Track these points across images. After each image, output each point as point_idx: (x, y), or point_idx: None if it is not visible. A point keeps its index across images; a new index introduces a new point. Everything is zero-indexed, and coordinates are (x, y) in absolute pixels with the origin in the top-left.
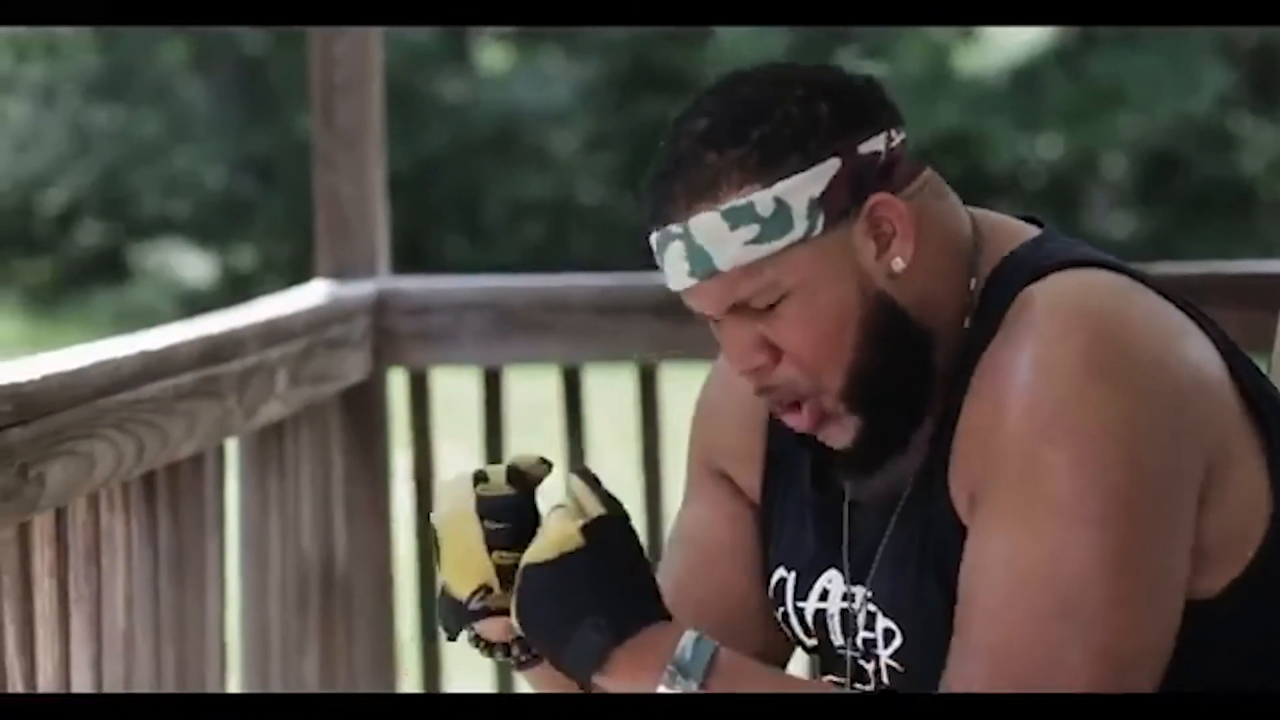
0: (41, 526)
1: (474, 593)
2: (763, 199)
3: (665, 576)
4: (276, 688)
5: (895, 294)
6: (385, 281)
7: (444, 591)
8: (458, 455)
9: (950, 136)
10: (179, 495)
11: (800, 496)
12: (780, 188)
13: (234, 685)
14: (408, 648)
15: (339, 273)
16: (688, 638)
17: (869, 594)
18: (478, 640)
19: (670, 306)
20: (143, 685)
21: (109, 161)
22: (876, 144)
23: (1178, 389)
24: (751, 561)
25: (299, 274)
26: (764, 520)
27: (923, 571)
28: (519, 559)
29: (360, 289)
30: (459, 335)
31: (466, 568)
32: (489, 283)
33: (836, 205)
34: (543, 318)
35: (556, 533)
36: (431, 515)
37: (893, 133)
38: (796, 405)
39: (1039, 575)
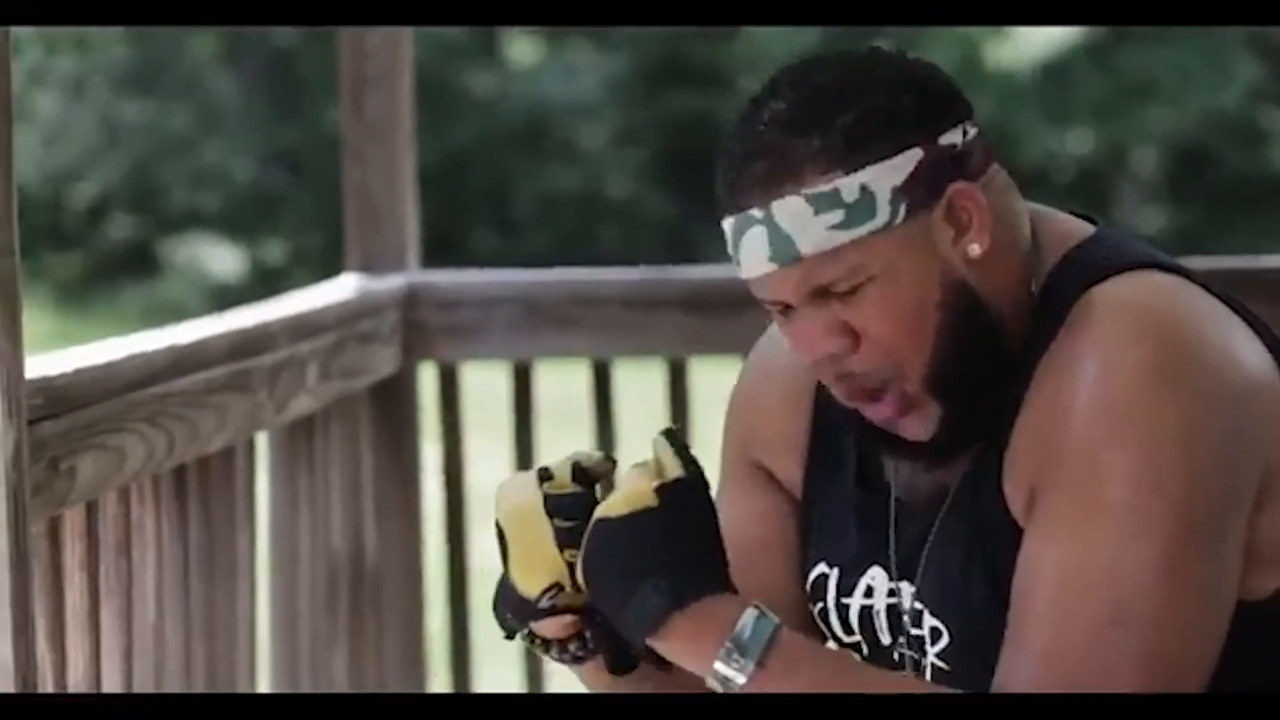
0: (72, 520)
1: (545, 591)
2: (848, 185)
3: None
4: (306, 682)
5: (972, 281)
6: (415, 275)
7: (509, 589)
8: (487, 449)
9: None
10: (209, 489)
11: (843, 493)
12: (865, 174)
13: (263, 679)
14: (437, 642)
15: (369, 266)
16: (749, 614)
17: (915, 592)
18: (533, 638)
19: (699, 300)
20: (173, 679)
21: (138, 155)
22: (955, 135)
23: (1239, 394)
24: (788, 556)
25: (328, 268)
26: (804, 515)
27: (969, 570)
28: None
29: (390, 283)
30: (488, 329)
31: (536, 566)
32: (518, 277)
33: (918, 193)
34: (572, 312)
35: (631, 489)
36: (495, 514)
37: (968, 125)
38: (876, 395)
39: (1094, 580)
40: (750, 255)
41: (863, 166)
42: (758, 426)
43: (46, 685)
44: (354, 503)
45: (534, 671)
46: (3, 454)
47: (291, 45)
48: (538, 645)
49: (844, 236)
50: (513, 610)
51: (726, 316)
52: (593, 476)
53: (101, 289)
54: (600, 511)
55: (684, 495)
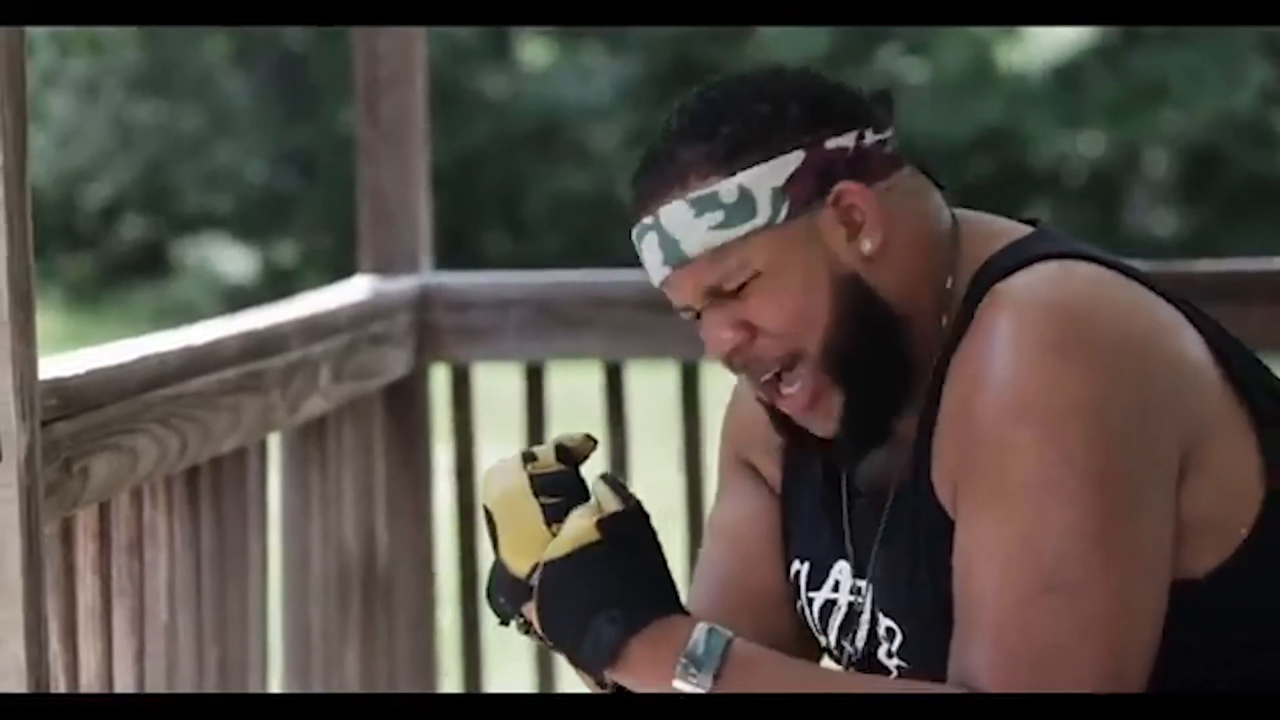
0: (85, 520)
1: (534, 568)
2: (726, 187)
3: (703, 572)
4: (318, 682)
5: (866, 276)
6: (428, 277)
7: (499, 572)
8: (499, 451)
9: (992, 133)
10: (222, 490)
11: (814, 487)
12: (743, 176)
13: (275, 679)
14: (448, 642)
15: (381, 268)
16: (700, 630)
17: (874, 591)
18: (527, 626)
19: None
20: (185, 679)
21: (151, 156)
22: (845, 140)
23: (1145, 368)
24: (779, 553)
25: (340, 269)
26: (783, 511)
27: (915, 568)
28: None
29: (403, 284)
30: (501, 331)
31: (525, 545)
32: (531, 278)
33: (801, 193)
34: (585, 313)
35: (573, 529)
36: (482, 500)
37: (867, 133)
38: (784, 383)
39: (1017, 555)
40: (649, 262)
41: (742, 169)
42: (745, 426)
43: (59, 685)
44: (366, 503)
45: (545, 671)
46: (16, 455)
47: (303, 47)
48: (531, 633)
49: (725, 235)
50: (506, 594)
51: None
52: (576, 456)
53: (114, 290)
54: (546, 555)
55: (625, 525)
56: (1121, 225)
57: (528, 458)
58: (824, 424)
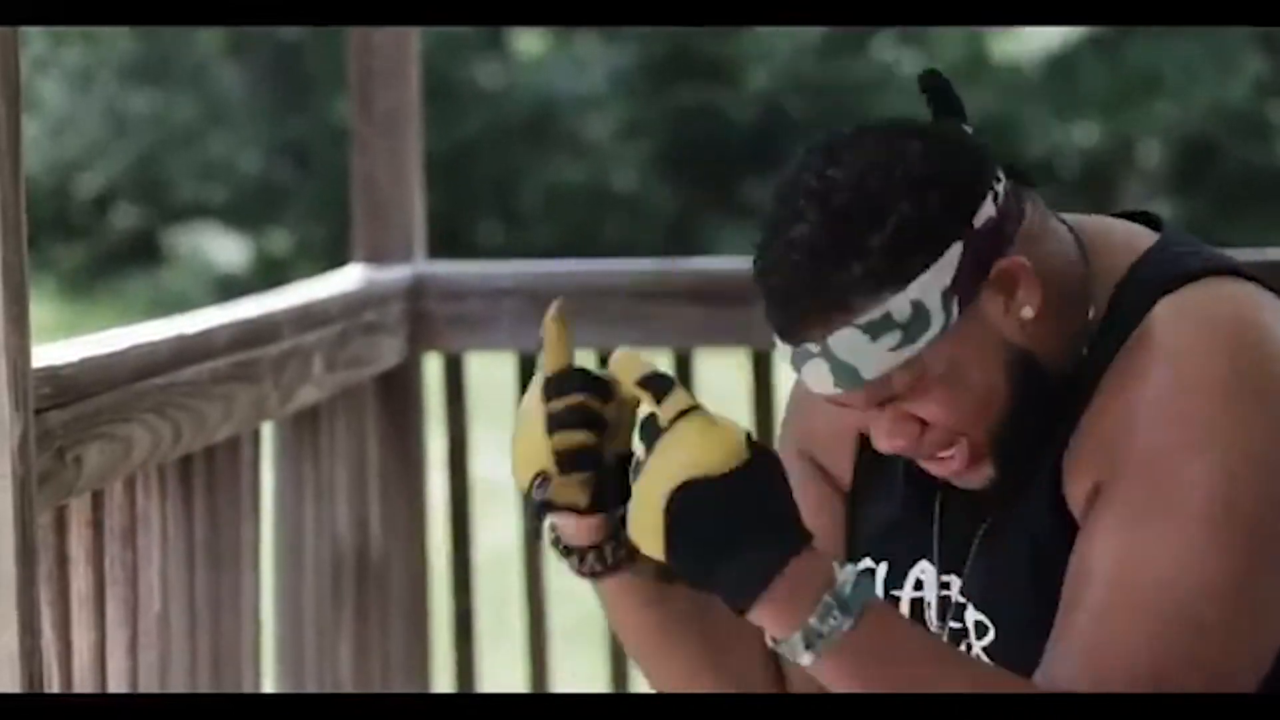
0: (78, 509)
1: (532, 481)
2: (898, 306)
3: None
4: (310, 673)
5: (1029, 343)
6: (421, 266)
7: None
8: (493, 440)
9: (987, 123)
10: (215, 479)
11: (891, 488)
12: (913, 290)
13: (268, 670)
14: (441, 632)
15: (375, 257)
16: (850, 571)
17: (962, 586)
18: (558, 542)
19: (706, 292)
20: (177, 669)
21: (145, 146)
22: (988, 209)
23: None
24: (838, 549)
25: (334, 259)
26: (850, 507)
27: (1017, 567)
28: (584, 440)
29: (396, 274)
30: (494, 320)
31: (528, 455)
32: (524, 268)
33: (967, 286)
34: (578, 304)
35: (720, 444)
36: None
37: (997, 188)
38: (940, 451)
39: (1159, 580)
40: (814, 382)
41: (909, 282)
42: (814, 422)
43: (52, 674)
44: (359, 493)
45: (538, 659)
46: (10, 443)
47: (298, 38)
48: (561, 551)
49: (906, 354)
50: (527, 506)
51: (733, 309)
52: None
53: (107, 279)
54: (690, 472)
55: (767, 449)
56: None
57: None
58: (977, 481)
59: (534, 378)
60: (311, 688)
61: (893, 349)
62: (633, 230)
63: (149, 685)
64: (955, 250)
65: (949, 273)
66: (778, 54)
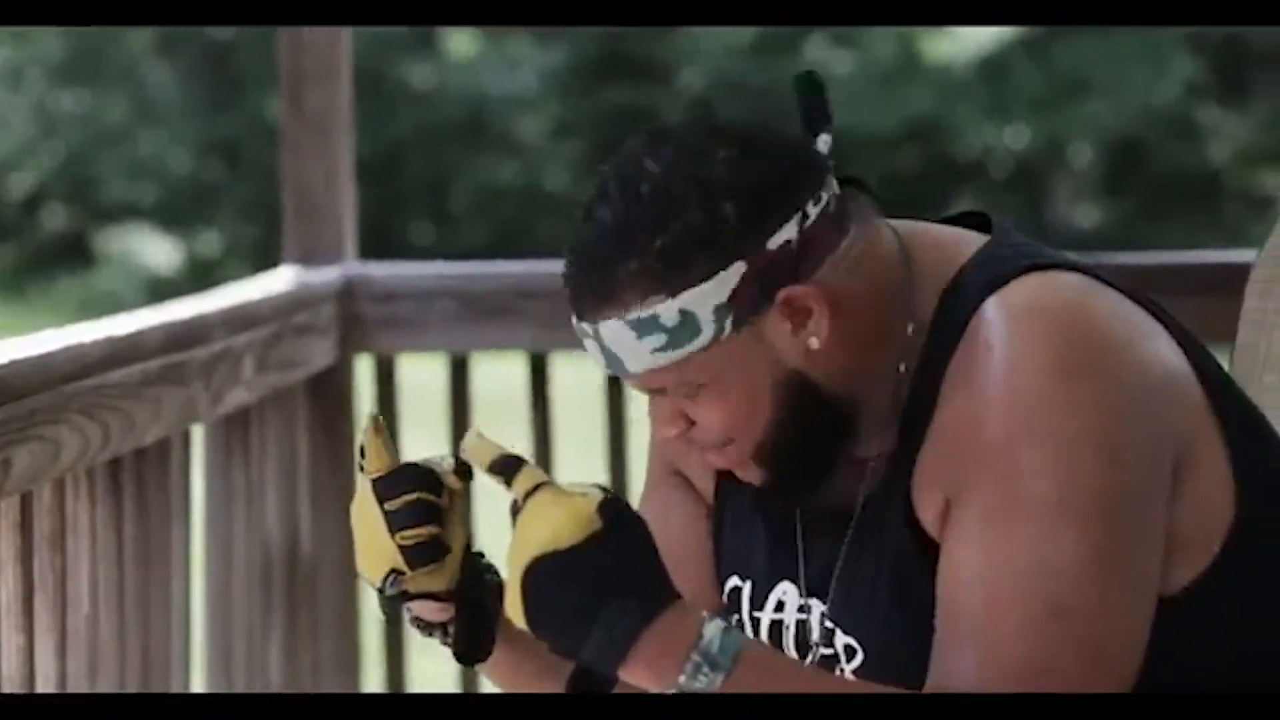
0: (6, 512)
1: (385, 578)
2: (667, 310)
3: None
4: (240, 674)
5: (810, 370)
6: (352, 268)
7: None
8: (424, 442)
9: (918, 124)
10: (145, 481)
11: (751, 506)
12: (685, 298)
13: (198, 672)
14: (371, 633)
15: (306, 259)
16: (715, 625)
17: (825, 610)
18: (417, 621)
19: None
20: (107, 671)
21: (74, 146)
22: (788, 232)
23: (1149, 385)
24: (706, 565)
25: (265, 260)
26: (715, 524)
27: (879, 588)
28: (430, 533)
29: (327, 275)
30: (426, 321)
31: (373, 555)
32: (456, 269)
33: (744, 306)
34: (510, 304)
35: (572, 515)
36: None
37: (809, 208)
38: (713, 451)
39: (1025, 577)
40: (595, 358)
41: (681, 290)
42: (681, 447)
43: None
44: (290, 495)
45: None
46: None
47: (228, 38)
48: (422, 629)
49: (669, 357)
50: (378, 601)
51: None
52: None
53: (37, 280)
54: (542, 547)
55: (621, 511)
56: (1045, 217)
57: (361, 464)
58: (754, 479)
59: (359, 481)
60: (241, 689)
61: (656, 350)
62: (565, 230)
63: (78, 688)
64: (737, 268)
65: (725, 290)
66: (710, 54)
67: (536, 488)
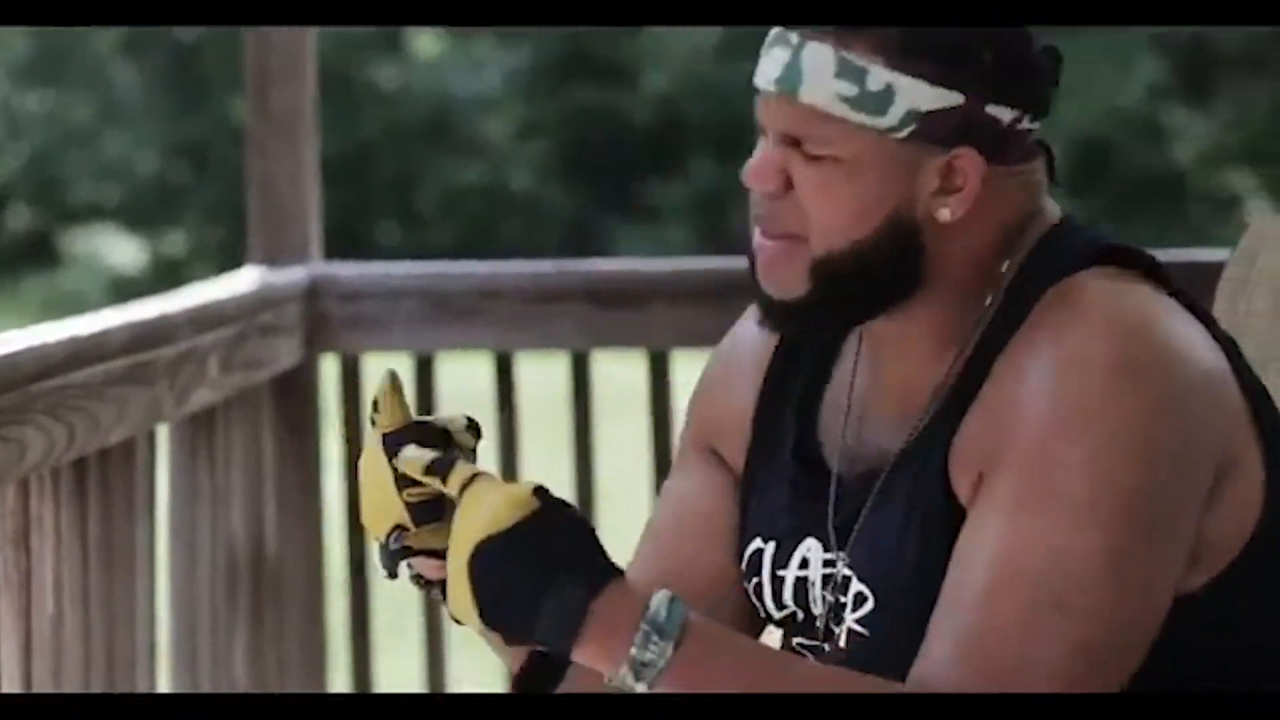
0: None
1: (389, 534)
2: (880, 74)
3: (646, 542)
4: (205, 675)
5: (924, 232)
6: (318, 268)
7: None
8: None
9: None
10: (109, 482)
11: (781, 468)
12: (900, 79)
13: (163, 672)
14: (337, 634)
15: (271, 259)
16: (661, 595)
17: (847, 560)
18: (418, 579)
19: (602, 293)
20: (71, 672)
21: (39, 146)
22: (1003, 114)
23: (1196, 395)
24: (730, 535)
25: (231, 260)
26: (743, 492)
27: (906, 540)
28: (431, 493)
29: (293, 275)
30: (391, 321)
31: (380, 510)
32: (421, 269)
33: (931, 130)
34: (475, 304)
35: (506, 499)
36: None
37: (1025, 118)
38: (770, 240)
39: (1035, 566)
40: (765, 68)
41: (903, 70)
42: (713, 410)
43: None
44: (255, 495)
45: (435, 663)
46: None
47: (194, 38)
48: (422, 585)
49: (843, 110)
50: (380, 554)
51: (629, 310)
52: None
53: (1, 280)
54: (485, 530)
55: (554, 495)
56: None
57: (373, 418)
58: (777, 290)
59: (368, 435)
60: (206, 689)
61: (841, 97)
62: (530, 231)
63: (42, 688)
64: (955, 97)
65: (933, 103)
66: (675, 55)
67: (471, 479)
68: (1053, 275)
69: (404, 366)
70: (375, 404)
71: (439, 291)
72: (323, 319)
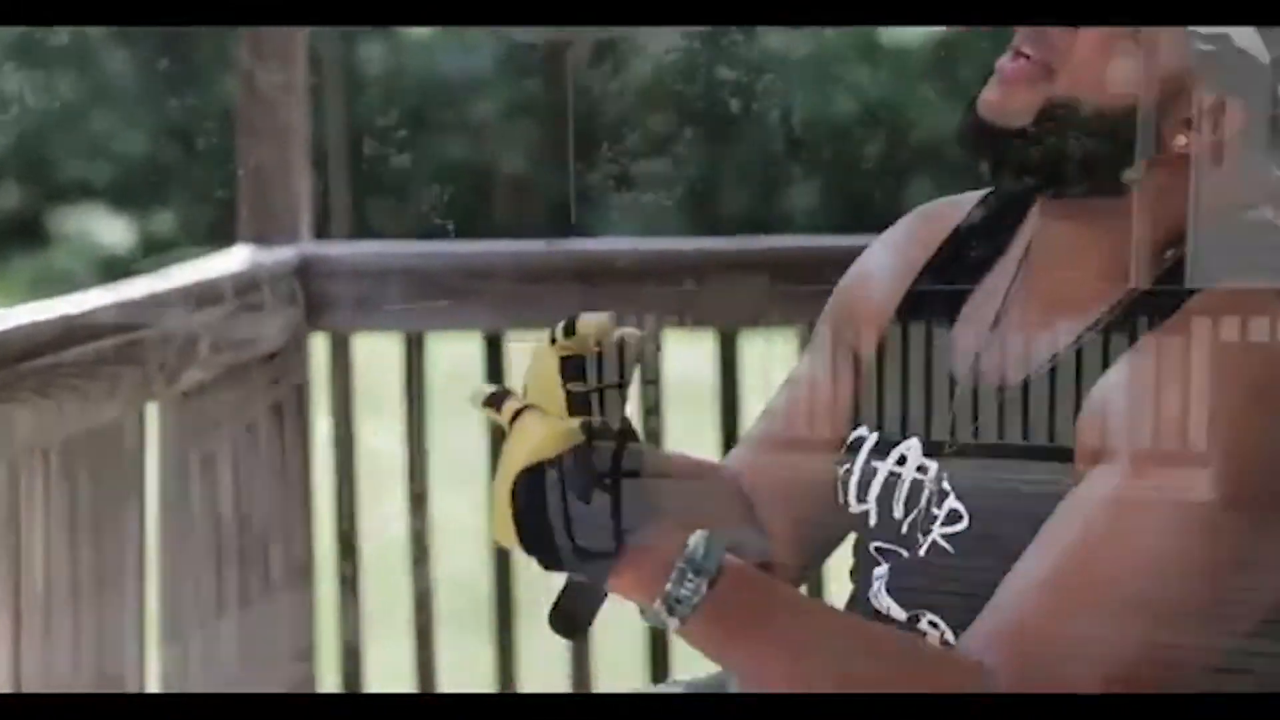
0: None
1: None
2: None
3: (758, 425)
4: (195, 654)
5: (1166, 143)
6: (308, 247)
7: (565, 468)
8: (379, 421)
9: (875, 106)
10: (99, 460)
11: (908, 367)
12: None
13: (153, 652)
14: (326, 613)
15: (261, 238)
16: (699, 534)
17: (948, 473)
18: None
19: (592, 273)
20: (61, 650)
21: (28, 125)
22: None
23: None
24: (843, 420)
25: (220, 240)
26: (865, 383)
27: (1012, 469)
28: (592, 388)
29: (282, 254)
30: (381, 301)
31: (548, 397)
32: (411, 248)
33: (1231, 59)
34: (465, 284)
35: (551, 433)
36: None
37: None
38: (1025, 60)
39: (1130, 564)
40: None
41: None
42: (857, 295)
43: None
44: (245, 474)
45: (424, 643)
46: None
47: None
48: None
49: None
50: (578, 483)
51: (620, 289)
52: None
53: None
54: (529, 458)
55: (598, 429)
56: None
57: (554, 338)
58: (999, 113)
59: (542, 353)
60: (196, 668)
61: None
62: (520, 211)
63: (31, 667)
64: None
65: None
66: (664, 36)
67: (521, 412)
68: (1213, 272)
69: (394, 346)
70: (570, 328)
71: (429, 271)
72: (312, 298)
